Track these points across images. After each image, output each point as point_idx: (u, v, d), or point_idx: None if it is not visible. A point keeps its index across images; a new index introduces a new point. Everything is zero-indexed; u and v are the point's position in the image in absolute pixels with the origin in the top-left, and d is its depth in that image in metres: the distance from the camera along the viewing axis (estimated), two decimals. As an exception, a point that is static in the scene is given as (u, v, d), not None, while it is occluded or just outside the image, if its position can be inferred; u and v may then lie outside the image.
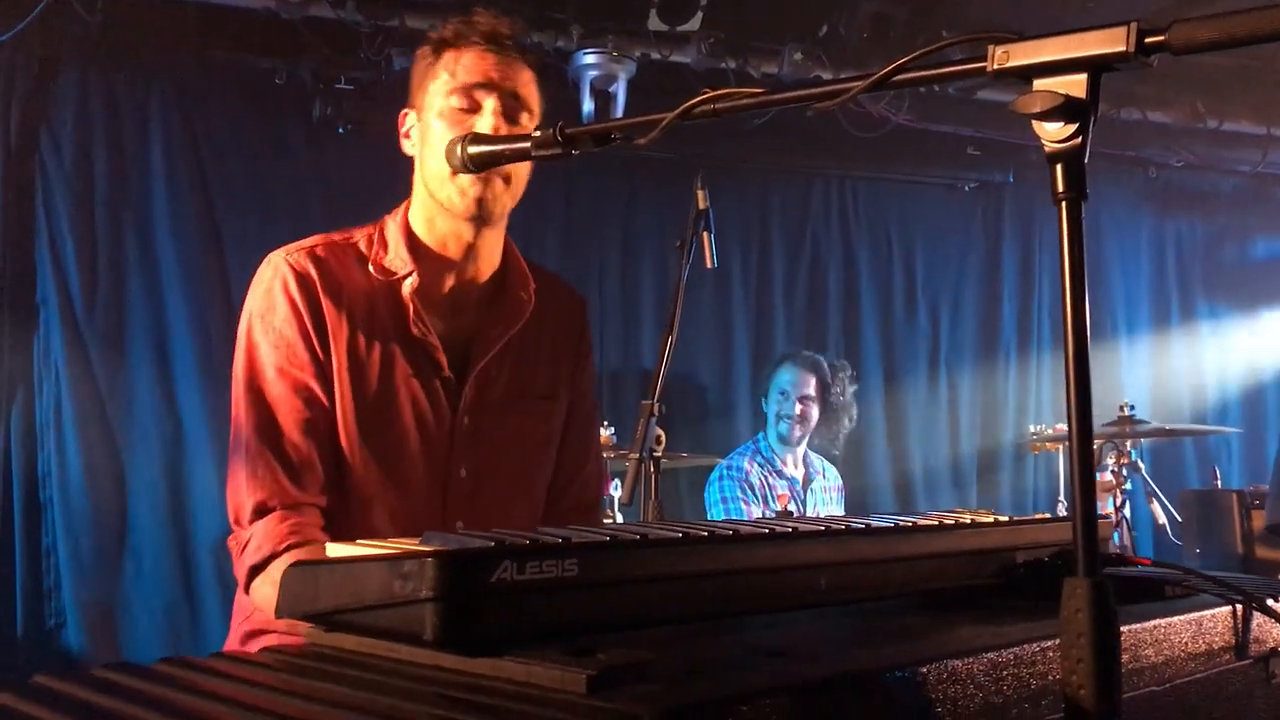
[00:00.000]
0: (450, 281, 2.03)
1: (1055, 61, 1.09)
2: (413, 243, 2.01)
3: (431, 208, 1.99)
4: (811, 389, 5.26)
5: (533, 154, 1.70)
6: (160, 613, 4.66)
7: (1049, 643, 1.17)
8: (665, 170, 5.33)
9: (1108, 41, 1.06)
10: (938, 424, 6.49)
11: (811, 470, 5.35)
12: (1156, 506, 5.11)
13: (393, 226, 2.04)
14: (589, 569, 1.04)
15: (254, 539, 1.82)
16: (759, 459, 5.23)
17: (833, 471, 5.48)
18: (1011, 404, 6.65)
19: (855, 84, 1.29)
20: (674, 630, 1.15)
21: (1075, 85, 1.08)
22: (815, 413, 5.27)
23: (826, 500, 5.35)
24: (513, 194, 2.00)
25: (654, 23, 4.99)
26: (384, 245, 2.01)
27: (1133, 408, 5.04)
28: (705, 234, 2.99)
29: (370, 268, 1.99)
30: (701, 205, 2.99)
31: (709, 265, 3.00)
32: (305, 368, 1.90)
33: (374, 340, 1.95)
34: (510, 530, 1.21)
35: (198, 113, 4.93)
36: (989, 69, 1.14)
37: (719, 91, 1.44)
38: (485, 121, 1.91)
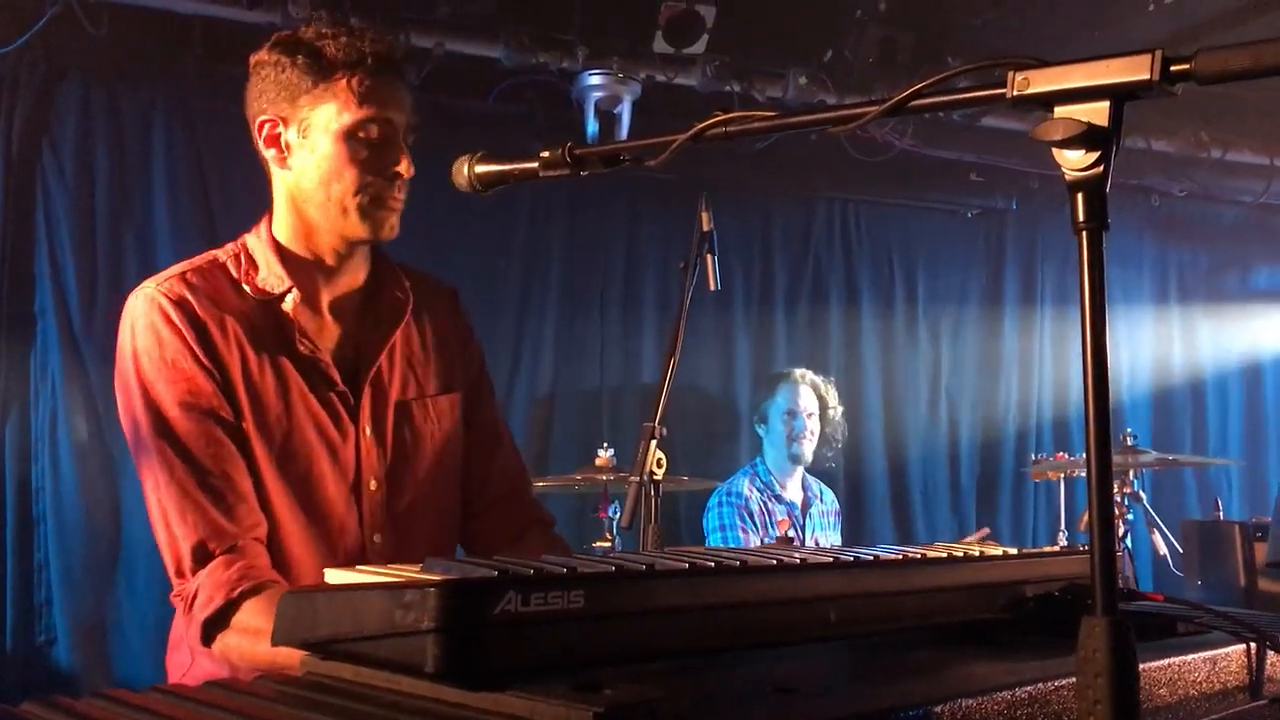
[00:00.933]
0: (327, 294, 1.98)
1: (1077, 89, 1.07)
2: (284, 257, 1.94)
3: (306, 216, 1.94)
4: (815, 406, 5.26)
5: (541, 174, 1.69)
6: (152, 630, 4.60)
7: (1064, 681, 1.15)
8: (668, 192, 5.33)
9: (1131, 69, 1.05)
10: (937, 450, 6.46)
11: (810, 494, 5.33)
12: (1158, 537, 5.08)
13: (257, 244, 1.97)
14: (595, 600, 1.01)
15: (202, 590, 1.72)
16: (758, 483, 5.20)
17: (830, 495, 5.45)
18: (1012, 432, 6.63)
19: (871, 109, 1.27)
20: (681, 664, 1.12)
21: (1097, 113, 1.06)
22: (819, 429, 5.27)
23: (825, 525, 5.32)
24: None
25: (659, 45, 5.00)
26: (253, 264, 1.94)
27: (1135, 437, 5.02)
28: (709, 256, 2.97)
29: (244, 287, 1.91)
30: (705, 227, 2.98)
31: (712, 287, 2.98)
32: (210, 396, 1.82)
33: (263, 361, 1.88)
34: (509, 557, 1.18)
35: (200, 126, 4.91)
36: (1009, 95, 1.12)
37: (731, 114, 1.43)
38: (405, 163, 1.90)
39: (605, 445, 4.58)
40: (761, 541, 4.99)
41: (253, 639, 1.67)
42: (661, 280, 5.77)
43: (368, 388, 1.97)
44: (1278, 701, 1.43)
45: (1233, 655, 1.41)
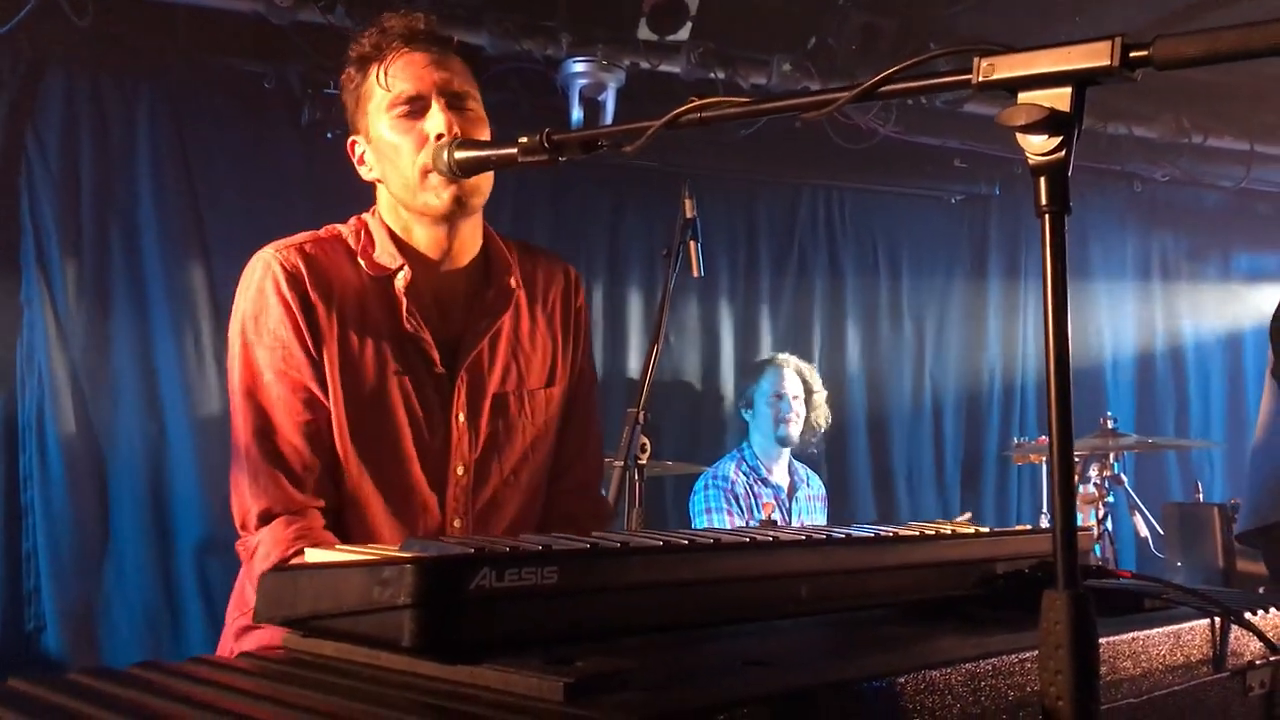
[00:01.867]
0: (435, 279, 2.01)
1: (1040, 75, 1.09)
2: (396, 240, 2.00)
3: (406, 218, 1.99)
4: (800, 389, 5.30)
5: (520, 160, 1.70)
6: (141, 617, 4.62)
7: (1028, 654, 1.17)
8: (652, 179, 5.34)
9: (1092, 56, 1.07)
10: (922, 435, 6.50)
11: (796, 479, 5.36)
12: (1139, 519, 5.13)
13: (374, 223, 2.02)
14: (569, 576, 1.04)
15: (262, 545, 1.82)
16: (744, 467, 5.23)
17: (816, 480, 5.48)
18: (996, 416, 6.67)
19: (842, 94, 1.29)
20: (654, 639, 1.14)
21: (1060, 99, 1.08)
22: (804, 413, 5.31)
23: (811, 509, 5.36)
24: (487, 184, 1.99)
25: (644, 32, 5.00)
26: (370, 241, 2.00)
27: (1116, 420, 5.06)
28: (692, 243, 2.99)
29: (360, 262, 1.97)
30: (689, 214, 3.00)
31: (696, 274, 3.00)
32: (302, 369, 1.88)
33: (366, 338, 1.93)
34: (494, 536, 1.20)
35: (185, 117, 4.91)
36: (974, 81, 1.14)
37: (706, 100, 1.45)
38: (435, 122, 1.90)
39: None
40: (747, 524, 5.03)
41: None
42: (646, 268, 5.78)
43: (464, 374, 1.99)
44: (1240, 673, 1.46)
45: (1197, 629, 1.44)
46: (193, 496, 4.52)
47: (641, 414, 2.77)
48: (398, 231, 2.01)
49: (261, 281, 1.91)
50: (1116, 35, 1.06)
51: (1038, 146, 1.08)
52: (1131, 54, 1.06)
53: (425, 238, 1.99)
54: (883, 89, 1.26)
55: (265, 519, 1.83)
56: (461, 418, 1.98)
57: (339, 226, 2.03)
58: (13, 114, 4.60)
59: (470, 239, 2.05)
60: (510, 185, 5.49)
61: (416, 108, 1.92)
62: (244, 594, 1.96)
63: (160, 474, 4.70)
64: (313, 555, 1.16)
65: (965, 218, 6.74)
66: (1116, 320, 7.00)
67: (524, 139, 1.67)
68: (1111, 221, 6.97)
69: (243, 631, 1.92)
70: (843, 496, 6.06)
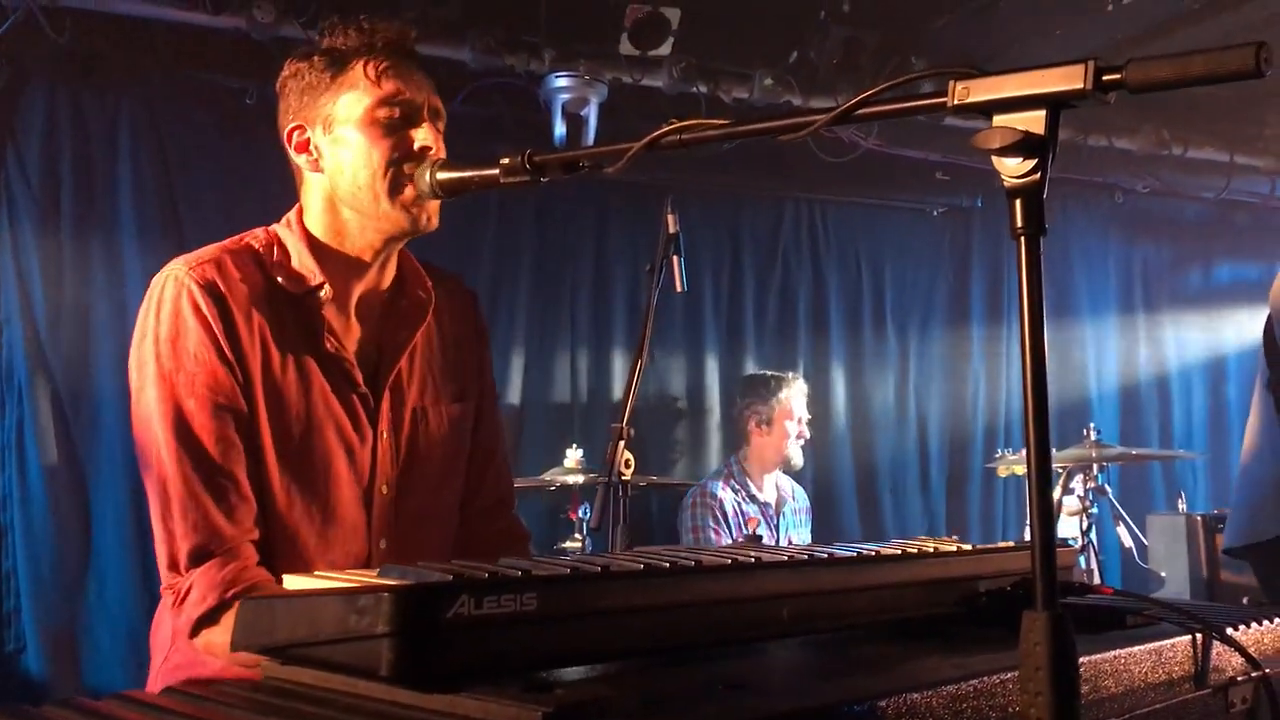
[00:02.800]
0: (357, 291, 1.96)
1: (1014, 98, 1.10)
2: (317, 251, 1.91)
3: (343, 219, 1.91)
4: (807, 412, 5.33)
5: (502, 180, 1.70)
6: (124, 636, 4.59)
7: (1009, 675, 1.18)
8: (636, 194, 5.35)
9: (1066, 79, 1.08)
10: (906, 448, 6.52)
11: (783, 493, 5.37)
12: (1123, 530, 5.15)
13: (288, 235, 1.93)
14: (548, 602, 1.03)
15: (195, 589, 1.72)
16: (733, 484, 5.23)
17: (801, 493, 5.50)
18: (980, 428, 6.69)
19: (819, 117, 1.29)
20: (634, 663, 1.14)
21: (1034, 121, 1.09)
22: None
23: (797, 523, 5.37)
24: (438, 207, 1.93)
25: (626, 47, 5.02)
26: (285, 255, 1.91)
27: (1099, 431, 5.08)
28: (675, 258, 2.99)
29: (276, 277, 1.88)
30: (671, 230, 3.00)
31: (679, 289, 3.00)
32: (228, 392, 1.78)
33: (287, 354, 1.85)
34: (468, 561, 1.20)
35: (167, 133, 4.90)
36: (949, 104, 1.15)
37: (685, 123, 1.45)
38: (425, 135, 1.86)
39: (574, 446, 4.59)
40: (735, 541, 5.02)
41: None
42: (631, 282, 5.79)
43: (387, 391, 1.95)
44: (1222, 690, 1.47)
45: (1179, 646, 1.44)
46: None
47: (626, 430, 2.77)
48: (324, 234, 1.93)
49: (176, 301, 1.79)
50: (1090, 58, 1.07)
51: (1013, 169, 1.09)
52: (1105, 77, 1.07)
53: (360, 244, 1.92)
54: (860, 111, 1.26)
55: (196, 558, 1.73)
56: (385, 434, 1.94)
57: (248, 238, 1.94)
58: (-8, 131, 4.59)
59: (395, 256, 2.01)
60: (494, 202, 5.49)
61: (406, 115, 1.88)
62: (163, 630, 1.89)
63: (142, 492, 4.63)
64: (290, 582, 1.15)
65: (948, 230, 6.77)
66: (1099, 331, 7.03)
67: (505, 160, 1.67)
68: (1093, 233, 7.02)
69: (168, 678, 1.83)
70: (828, 509, 6.06)
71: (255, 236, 1.94)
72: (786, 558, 1.35)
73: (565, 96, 4.93)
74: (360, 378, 1.93)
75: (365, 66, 1.89)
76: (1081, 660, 1.23)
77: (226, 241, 1.92)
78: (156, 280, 1.84)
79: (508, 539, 2.16)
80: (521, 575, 1.06)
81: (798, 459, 5.27)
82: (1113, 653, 1.34)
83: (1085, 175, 6.34)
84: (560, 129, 4.94)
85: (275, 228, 1.97)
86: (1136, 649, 1.38)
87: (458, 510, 2.10)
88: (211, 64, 4.78)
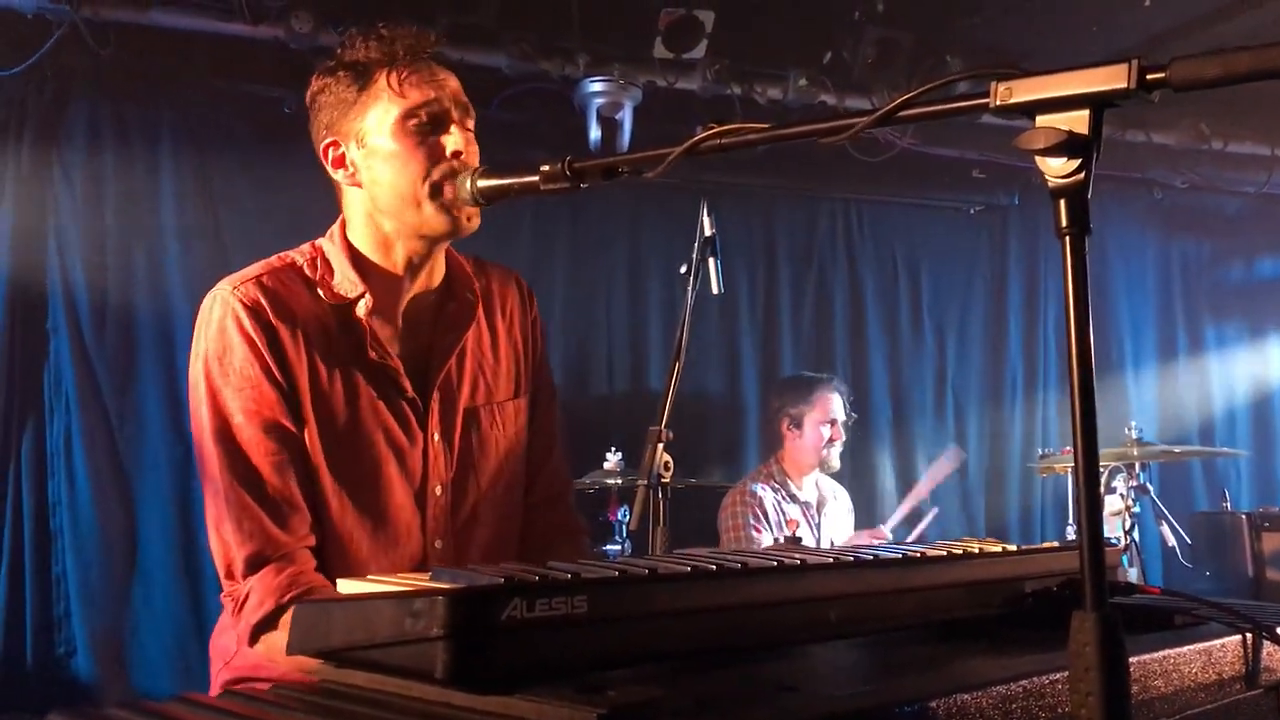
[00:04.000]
0: (404, 299, 2.00)
1: (1057, 98, 1.10)
2: (359, 264, 1.96)
3: (385, 230, 1.95)
4: (844, 414, 5.30)
5: (542, 188, 1.72)
6: (171, 640, 4.65)
7: (1058, 675, 1.18)
8: (670, 193, 5.35)
9: (1109, 78, 1.08)
10: (945, 446, 6.46)
11: (824, 494, 5.35)
12: (1166, 529, 5.09)
13: (331, 249, 1.98)
14: (599, 605, 1.04)
15: (253, 594, 1.79)
16: (773, 483, 5.22)
17: (844, 494, 5.47)
18: (1019, 427, 6.63)
19: (859, 120, 1.30)
20: (684, 665, 1.15)
21: (1078, 121, 1.09)
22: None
23: (839, 524, 5.35)
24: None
25: (659, 50, 5.02)
26: (328, 269, 1.96)
27: (1140, 430, 5.02)
28: (711, 260, 2.99)
29: (319, 291, 1.94)
30: (708, 232, 2.99)
31: (715, 291, 2.99)
32: (274, 406, 1.85)
33: (334, 368, 1.90)
34: (517, 565, 1.21)
35: (208, 144, 4.95)
36: (992, 105, 1.15)
37: (725, 127, 1.47)
38: (454, 139, 1.88)
39: (613, 449, 4.60)
40: (776, 541, 5.01)
41: None
42: (666, 282, 5.78)
43: (436, 393, 1.98)
44: (1273, 690, 1.45)
45: (1228, 646, 1.44)
46: (219, 520, 4.54)
47: (664, 432, 2.77)
48: (367, 248, 1.97)
49: (222, 320, 1.87)
50: (1134, 57, 1.07)
51: (1057, 169, 1.09)
52: (1149, 76, 1.07)
53: (404, 253, 1.96)
54: (900, 113, 1.26)
55: (253, 565, 1.80)
56: (436, 437, 1.98)
57: (293, 254, 1.99)
58: (38, 144, 4.66)
59: (441, 257, 2.04)
60: (529, 204, 5.51)
61: (434, 121, 1.90)
62: (226, 637, 1.95)
63: (187, 496, 4.73)
64: (344, 586, 1.17)
65: (984, 228, 6.72)
66: (1138, 329, 6.96)
67: (545, 167, 1.69)
68: (1132, 229, 6.93)
69: (230, 684, 1.90)
70: (868, 512, 6.03)
71: (301, 252, 2.00)
72: (832, 560, 1.35)
73: (600, 101, 4.94)
74: (407, 384, 1.96)
75: (389, 78, 1.91)
76: (1130, 660, 1.22)
77: (272, 259, 1.98)
78: (206, 301, 1.91)
79: (563, 534, 2.18)
80: (571, 578, 1.07)
81: (834, 461, 5.24)
82: (1162, 653, 1.33)
83: (1123, 171, 6.27)
84: (595, 133, 4.96)
85: (320, 241, 2.02)
86: (1186, 649, 1.37)
87: (518, 508, 2.12)
88: (250, 74, 4.83)
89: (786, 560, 1.30)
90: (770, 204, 6.20)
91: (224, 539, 1.82)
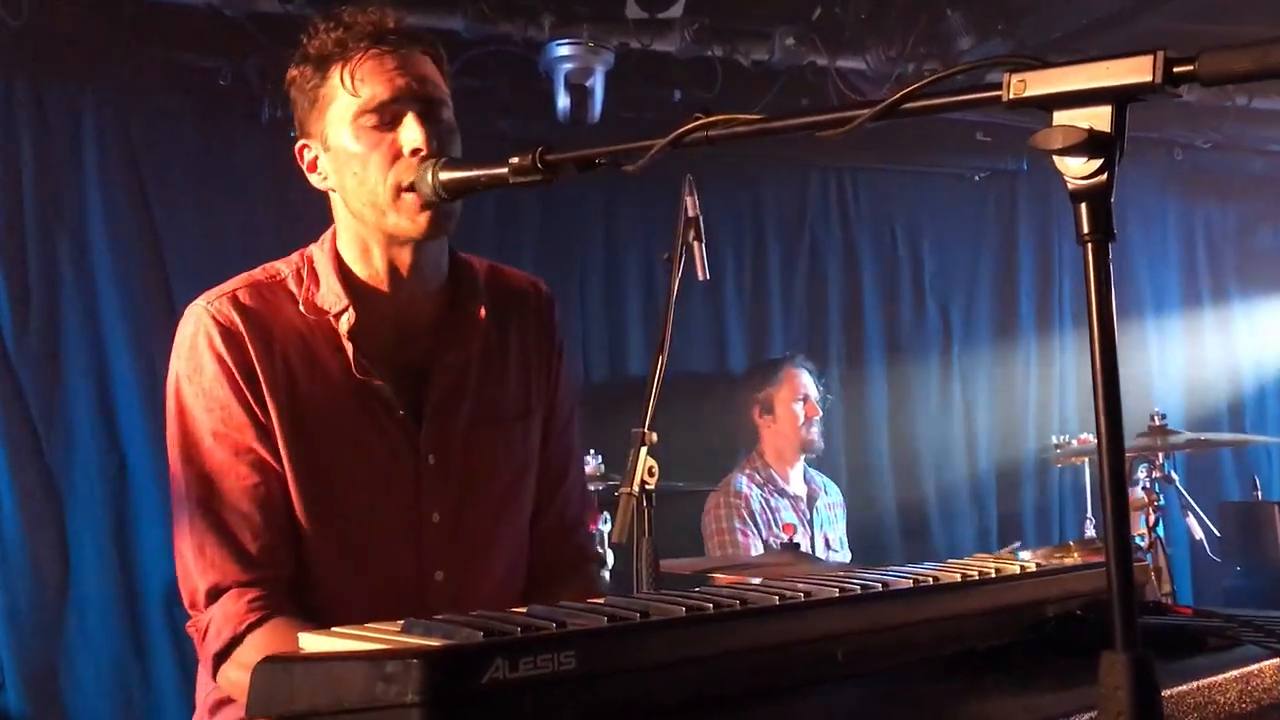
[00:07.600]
0: (395, 310, 1.99)
1: (1076, 92, 1.10)
2: (345, 274, 1.96)
3: (366, 236, 1.95)
4: (815, 392, 5.36)
5: (511, 181, 1.71)
6: (108, 670, 4.63)
7: (1086, 715, 1.19)
8: (647, 172, 5.31)
9: (1133, 71, 1.08)
10: (952, 436, 6.49)
11: (814, 487, 5.40)
12: (1193, 521, 5.14)
13: (321, 258, 1.99)
14: (588, 659, 1.05)
15: (213, 624, 1.82)
16: (758, 479, 5.25)
17: (834, 488, 5.52)
18: (1032, 413, 6.64)
19: (861, 112, 1.31)
20: (682, 716, 1.15)
21: (1099, 118, 1.09)
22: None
23: (831, 519, 5.40)
24: (459, 204, 1.93)
25: (632, 10, 4.98)
26: (315, 280, 1.97)
27: (1164, 417, 5.05)
28: (696, 244, 2.98)
29: (302, 306, 1.95)
30: (691, 213, 2.98)
31: (702, 277, 2.99)
32: (244, 429, 1.87)
33: (315, 387, 1.91)
34: (495, 611, 1.21)
35: (135, 120, 4.90)
36: (1004, 99, 1.16)
37: (713, 118, 1.47)
38: (411, 135, 1.86)
39: (591, 451, 4.60)
40: (764, 542, 5.04)
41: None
42: (644, 262, 5.77)
43: (432, 413, 1.98)
44: (1316, 719, 1.47)
45: (1266, 671, 1.45)
46: (159, 538, 4.50)
47: (648, 435, 2.77)
48: (351, 256, 1.97)
49: (194, 338, 1.90)
50: (1159, 49, 1.08)
51: (1077, 170, 1.09)
52: (1175, 69, 1.07)
53: (385, 260, 1.96)
54: (905, 106, 1.27)
55: (214, 595, 1.83)
56: (431, 459, 1.97)
57: (280, 265, 2.01)
58: (-54, 125, 4.61)
59: (436, 259, 2.02)
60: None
61: (387, 117, 1.88)
62: (202, 676, 1.98)
63: (123, 511, 4.71)
64: (308, 643, 1.17)
65: (991, 196, 6.72)
66: (1160, 303, 6.96)
67: (515, 159, 1.68)
68: (1150, 194, 6.94)
69: (218, 706, 1.94)
70: (866, 508, 6.04)
71: (289, 261, 2.01)
72: (838, 591, 1.36)
73: (568, 66, 4.91)
74: (397, 403, 1.95)
75: (342, 72, 1.90)
76: (1164, 693, 1.24)
77: (256, 270, 2.00)
78: (184, 316, 1.95)
79: (570, 567, 2.19)
80: (557, 631, 1.07)
81: (816, 440, 5.28)
82: (1195, 683, 1.35)
83: (1140, 131, 6.29)
84: (563, 102, 4.92)
85: (312, 248, 2.03)
86: (1221, 677, 1.38)
87: (526, 530, 2.13)
88: (181, 42, 4.78)
89: (788, 595, 1.30)
90: (757, 173, 6.17)
91: (186, 567, 1.86)
